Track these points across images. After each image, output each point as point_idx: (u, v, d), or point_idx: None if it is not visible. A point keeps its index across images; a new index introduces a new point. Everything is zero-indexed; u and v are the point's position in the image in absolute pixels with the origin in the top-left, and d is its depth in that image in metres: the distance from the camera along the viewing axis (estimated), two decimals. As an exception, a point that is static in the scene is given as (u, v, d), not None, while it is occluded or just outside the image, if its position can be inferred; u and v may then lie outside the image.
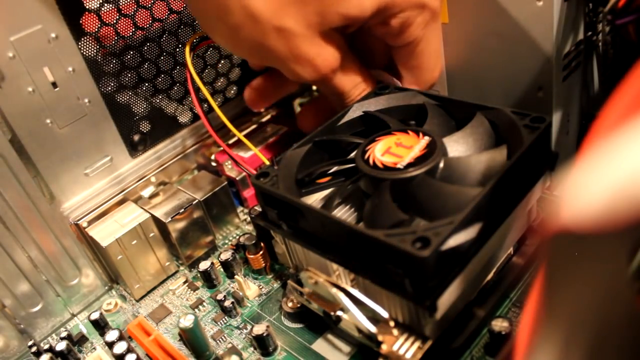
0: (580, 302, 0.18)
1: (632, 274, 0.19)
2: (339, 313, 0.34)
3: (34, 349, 0.41)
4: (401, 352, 0.31)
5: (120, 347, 0.37)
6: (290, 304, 0.39)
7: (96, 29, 0.42)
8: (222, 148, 0.44)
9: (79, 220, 0.44)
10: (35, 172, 0.41)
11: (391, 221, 0.30)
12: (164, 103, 0.49)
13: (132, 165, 0.48)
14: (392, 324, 0.31)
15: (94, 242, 0.44)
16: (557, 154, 0.35)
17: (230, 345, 0.39)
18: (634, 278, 0.19)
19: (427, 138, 0.34)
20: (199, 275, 0.45)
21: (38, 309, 0.42)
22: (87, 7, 0.41)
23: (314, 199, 0.36)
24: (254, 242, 0.43)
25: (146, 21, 0.45)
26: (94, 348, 0.42)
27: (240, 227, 0.50)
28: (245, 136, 0.44)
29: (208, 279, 0.44)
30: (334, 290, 0.33)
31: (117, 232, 0.43)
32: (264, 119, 0.56)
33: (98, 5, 0.42)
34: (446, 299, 0.28)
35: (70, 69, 0.41)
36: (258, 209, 0.41)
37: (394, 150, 0.34)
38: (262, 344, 0.37)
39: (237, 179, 0.50)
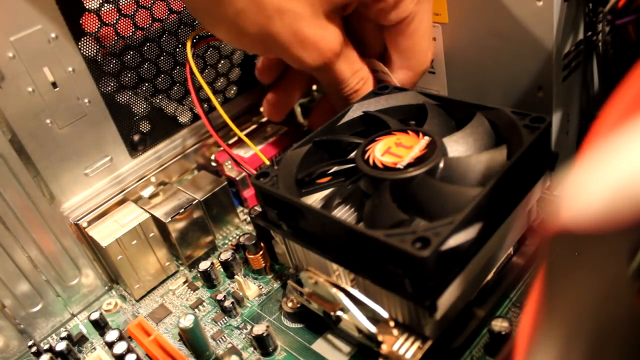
0: (580, 302, 0.18)
1: (632, 274, 0.19)
2: (339, 313, 0.34)
3: (34, 349, 0.41)
4: (401, 352, 0.31)
5: (120, 347, 0.37)
6: (290, 304, 0.39)
7: (96, 29, 0.42)
8: (222, 148, 0.44)
9: (79, 220, 0.44)
10: (35, 172, 0.41)
11: (391, 221, 0.30)
12: (164, 103, 0.49)
13: (132, 165, 0.48)
14: (392, 324, 0.31)
15: (94, 242, 0.44)
16: (557, 154, 0.35)
17: (230, 345, 0.39)
18: (634, 278, 0.19)
19: (427, 138, 0.34)
20: (199, 275, 0.45)
21: (38, 309, 0.42)
22: (87, 7, 0.41)
23: (314, 199, 0.36)
24: (254, 242, 0.43)
25: (146, 21, 0.45)
26: (94, 348, 0.42)
27: (240, 227, 0.50)
28: (245, 136, 0.44)
29: (208, 279, 0.44)
30: (334, 290, 0.33)
31: (117, 232, 0.43)
32: (264, 119, 0.56)
33: (98, 5, 0.42)
34: (446, 299, 0.28)
35: (70, 69, 0.41)
36: (258, 209, 0.41)
37: (394, 151, 0.34)
38: (262, 344, 0.37)
39: (237, 179, 0.50)
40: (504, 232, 0.33)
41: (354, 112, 0.40)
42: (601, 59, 0.44)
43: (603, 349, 0.18)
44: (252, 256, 0.43)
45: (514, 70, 0.42)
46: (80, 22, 0.41)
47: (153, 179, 0.49)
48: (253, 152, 0.50)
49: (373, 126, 0.39)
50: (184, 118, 0.51)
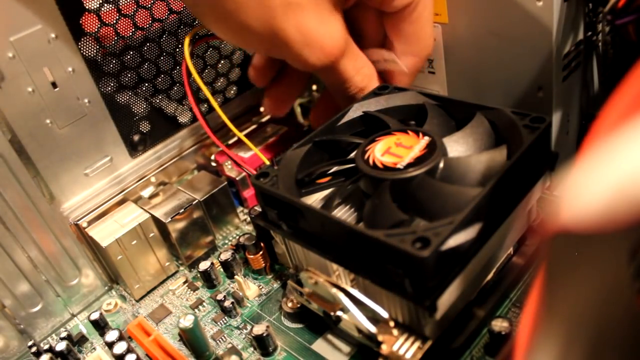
0: (580, 302, 0.18)
1: (632, 274, 0.19)
2: (339, 313, 0.34)
3: (33, 349, 0.41)
4: (401, 352, 0.31)
5: (120, 347, 0.37)
6: (290, 304, 0.39)
7: (96, 29, 0.42)
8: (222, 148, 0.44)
9: (79, 220, 0.44)
10: (35, 172, 0.41)
11: (391, 221, 0.30)
12: (163, 103, 0.49)
13: (132, 165, 0.48)
14: (392, 324, 0.31)
15: (93, 242, 0.44)
16: (557, 154, 0.35)
17: (230, 346, 0.39)
18: (634, 278, 0.19)
19: (427, 138, 0.34)
20: (198, 275, 0.45)
21: (38, 309, 0.42)
22: (87, 7, 0.41)
23: (314, 199, 0.36)
24: (254, 242, 0.43)
25: (146, 21, 0.45)
26: (94, 348, 0.42)
27: (240, 227, 0.50)
28: (245, 136, 0.44)
29: (208, 279, 0.44)
30: (334, 290, 0.33)
31: (117, 232, 0.43)
32: (264, 119, 0.56)
33: (98, 5, 0.42)
34: (446, 299, 0.28)
35: (70, 69, 0.41)
36: (258, 209, 0.41)
37: (393, 151, 0.34)
38: (262, 344, 0.37)
39: (237, 179, 0.50)
40: (504, 232, 0.33)
41: (354, 112, 0.40)
42: (601, 59, 0.44)
43: (603, 349, 0.18)
44: (252, 256, 0.43)
45: (514, 70, 0.41)
46: (80, 22, 0.41)
47: (153, 179, 0.49)
48: (253, 152, 0.50)
49: (373, 126, 0.39)
50: (183, 118, 0.51)
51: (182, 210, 0.45)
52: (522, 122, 0.33)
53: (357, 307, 0.32)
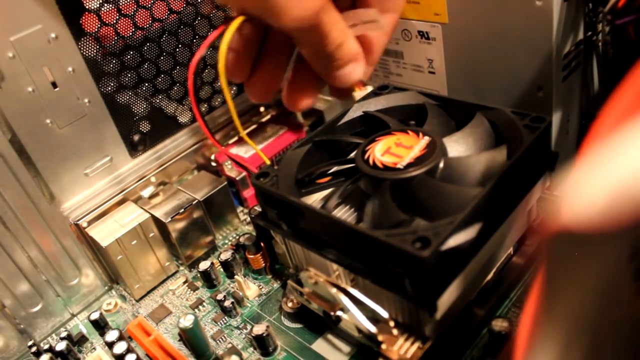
0: (580, 302, 0.18)
1: (632, 274, 0.19)
2: (339, 313, 0.34)
3: (34, 349, 0.41)
4: (401, 352, 0.31)
5: (120, 347, 0.37)
6: (290, 304, 0.39)
7: (96, 29, 0.42)
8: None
9: (79, 220, 0.44)
10: (35, 172, 0.41)
11: (391, 221, 0.30)
12: (164, 103, 0.49)
13: (132, 165, 0.48)
14: (392, 324, 0.31)
15: (94, 242, 0.44)
16: (557, 154, 0.35)
17: (230, 345, 0.39)
18: (634, 278, 0.19)
19: (427, 138, 0.34)
20: (199, 275, 0.45)
21: (38, 309, 0.42)
22: (87, 7, 0.41)
23: (314, 199, 0.36)
24: (254, 242, 0.43)
25: (146, 21, 0.45)
26: (94, 348, 0.42)
27: (240, 227, 0.50)
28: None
29: (208, 279, 0.44)
30: (334, 290, 0.33)
31: (117, 232, 0.43)
32: (264, 119, 0.56)
33: (98, 5, 0.42)
34: (446, 299, 0.28)
35: (70, 69, 0.41)
36: (258, 209, 0.41)
37: (393, 150, 0.34)
38: (262, 344, 0.37)
39: (237, 179, 0.50)
40: (504, 232, 0.33)
41: (354, 112, 0.40)
42: (601, 59, 0.44)
43: (603, 349, 0.18)
44: (252, 256, 0.43)
45: (514, 70, 0.41)
46: (80, 22, 0.41)
47: (153, 179, 0.49)
48: (253, 152, 0.50)
49: (373, 126, 0.38)
50: (183, 118, 0.51)
51: (182, 210, 0.45)
52: (522, 122, 0.33)
53: (357, 307, 0.32)
